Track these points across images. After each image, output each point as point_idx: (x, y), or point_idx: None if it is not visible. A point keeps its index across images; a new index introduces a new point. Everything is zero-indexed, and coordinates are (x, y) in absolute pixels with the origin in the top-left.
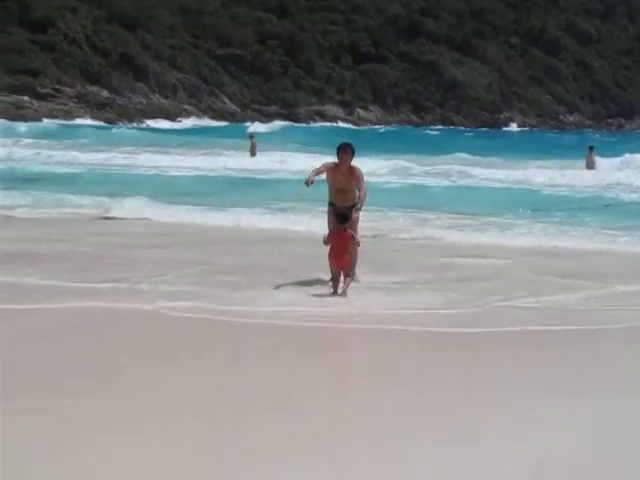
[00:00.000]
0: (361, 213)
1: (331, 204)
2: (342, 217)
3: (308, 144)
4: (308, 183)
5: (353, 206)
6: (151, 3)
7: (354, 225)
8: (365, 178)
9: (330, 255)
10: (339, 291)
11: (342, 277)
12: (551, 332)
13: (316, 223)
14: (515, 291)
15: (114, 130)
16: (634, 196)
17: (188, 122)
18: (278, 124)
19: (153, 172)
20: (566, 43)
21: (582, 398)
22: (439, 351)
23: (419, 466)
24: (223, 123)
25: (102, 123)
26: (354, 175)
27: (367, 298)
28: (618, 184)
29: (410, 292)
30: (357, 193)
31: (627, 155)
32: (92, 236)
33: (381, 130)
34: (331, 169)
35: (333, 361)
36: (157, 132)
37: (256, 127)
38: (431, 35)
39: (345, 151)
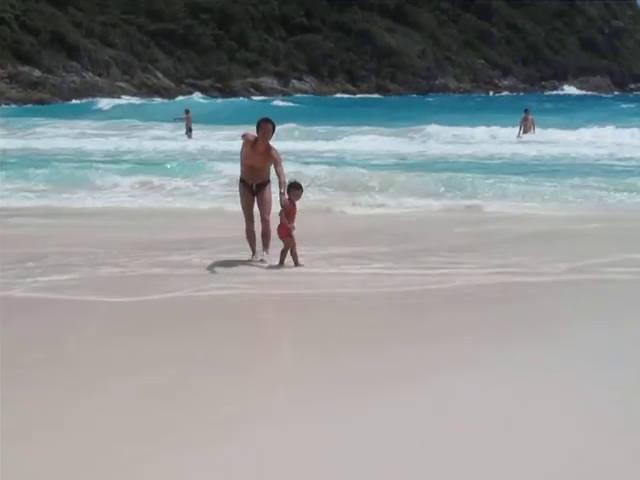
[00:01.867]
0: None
1: (242, 180)
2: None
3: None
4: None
5: (266, 183)
6: None
7: (290, 213)
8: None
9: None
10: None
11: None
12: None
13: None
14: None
15: None
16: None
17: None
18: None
19: None
20: (498, 7)
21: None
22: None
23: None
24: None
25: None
26: (271, 157)
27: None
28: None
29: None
30: (268, 171)
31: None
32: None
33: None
34: (249, 144)
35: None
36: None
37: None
38: (363, 3)
39: (266, 127)
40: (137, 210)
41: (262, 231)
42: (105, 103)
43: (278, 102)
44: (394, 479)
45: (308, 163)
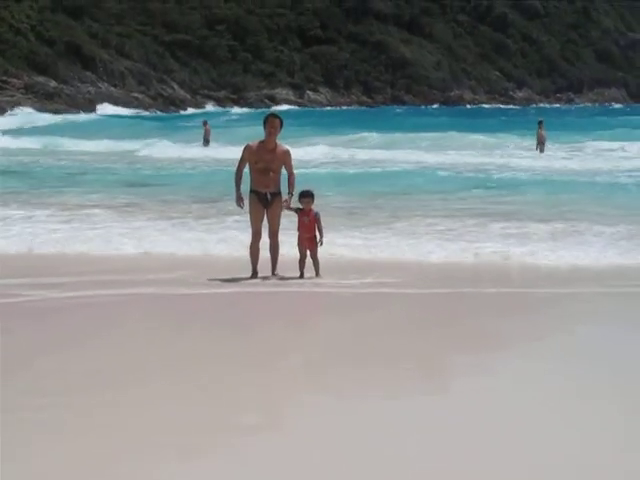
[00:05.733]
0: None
1: (252, 192)
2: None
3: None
4: (241, 202)
5: (278, 193)
6: None
7: (303, 224)
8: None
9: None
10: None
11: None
12: None
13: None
14: None
15: None
16: None
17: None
18: None
19: None
20: (514, 19)
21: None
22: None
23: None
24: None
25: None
26: (282, 154)
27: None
28: None
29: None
30: (279, 179)
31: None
32: None
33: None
34: (254, 148)
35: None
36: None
37: None
38: (379, 15)
39: (273, 122)
40: None
41: (270, 246)
42: None
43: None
44: None
45: None
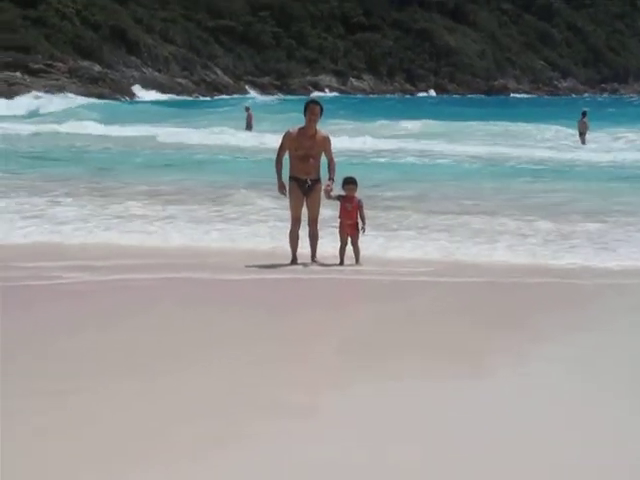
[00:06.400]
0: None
1: (292, 178)
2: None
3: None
4: (283, 189)
5: (318, 180)
6: None
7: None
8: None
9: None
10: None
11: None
12: None
13: None
14: None
15: None
16: None
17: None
18: None
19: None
20: (559, 8)
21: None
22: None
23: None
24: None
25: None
26: (322, 140)
27: None
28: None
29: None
30: (319, 165)
31: None
32: None
33: None
34: (294, 134)
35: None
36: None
37: None
38: (423, 2)
39: (313, 108)
40: None
41: (310, 233)
42: None
43: None
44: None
45: None
